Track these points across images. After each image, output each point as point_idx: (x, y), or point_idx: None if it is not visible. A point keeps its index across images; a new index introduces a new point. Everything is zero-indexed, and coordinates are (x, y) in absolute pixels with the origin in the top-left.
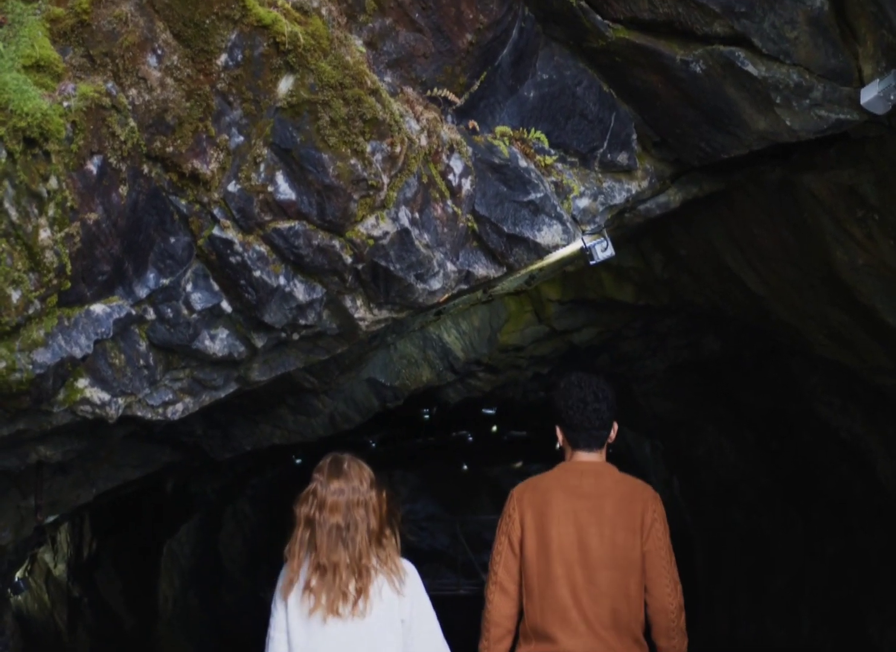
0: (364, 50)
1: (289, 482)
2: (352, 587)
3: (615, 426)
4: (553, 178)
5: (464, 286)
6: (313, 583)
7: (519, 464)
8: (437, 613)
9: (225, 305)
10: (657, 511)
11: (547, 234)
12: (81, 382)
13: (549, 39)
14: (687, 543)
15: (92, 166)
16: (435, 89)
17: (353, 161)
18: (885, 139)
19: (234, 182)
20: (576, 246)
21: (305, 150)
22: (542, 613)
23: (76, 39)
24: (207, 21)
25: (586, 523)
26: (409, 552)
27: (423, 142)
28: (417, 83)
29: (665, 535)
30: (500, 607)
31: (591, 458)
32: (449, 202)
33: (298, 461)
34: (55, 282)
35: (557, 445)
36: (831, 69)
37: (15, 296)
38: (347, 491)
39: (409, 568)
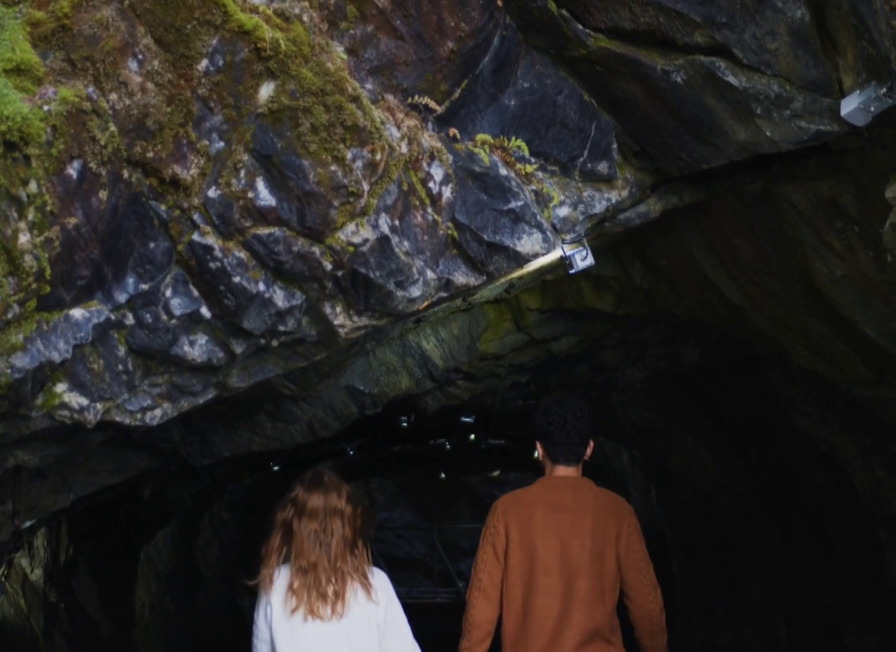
0: (345, 57)
1: (266, 489)
2: (330, 590)
3: (591, 443)
4: (533, 187)
5: (444, 294)
6: (295, 584)
7: (497, 472)
8: (414, 620)
9: (204, 311)
10: (632, 523)
11: (527, 242)
12: (60, 387)
13: (531, 48)
14: (664, 553)
15: (72, 171)
16: (416, 97)
17: (333, 168)
18: (865, 151)
19: (214, 188)
20: (555, 255)
21: (286, 156)
22: (524, 620)
23: (57, 43)
24: (188, 26)
25: (567, 535)
26: (386, 559)
27: (404, 149)
28: (398, 90)
29: (641, 544)
30: (482, 611)
31: (568, 472)
32: (429, 210)
33: (276, 468)
34: (34, 286)
35: (536, 455)
36: (812, 80)
37: None
38: (325, 501)
39: (382, 577)
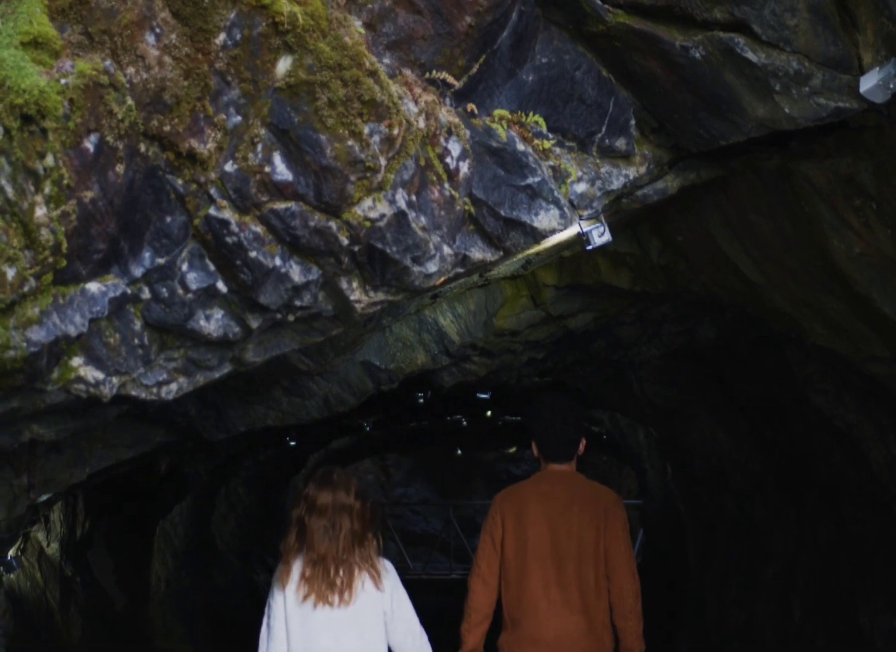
0: (363, 31)
1: (282, 464)
2: (339, 580)
3: (583, 441)
4: (551, 163)
5: (460, 270)
6: (307, 574)
7: (513, 449)
8: (430, 596)
9: (220, 286)
10: (617, 513)
11: (544, 218)
12: (76, 361)
13: (549, 23)
14: (679, 530)
15: (89, 144)
16: (434, 72)
17: (350, 142)
18: (884, 128)
19: (231, 162)
20: (572, 231)
21: (303, 130)
22: (518, 602)
23: (74, 17)
24: (206, 0)
25: (557, 524)
26: (401, 535)
27: (422, 124)
28: (416, 65)
29: (625, 533)
30: (481, 596)
31: (562, 468)
32: (446, 185)
33: (292, 443)
34: (51, 260)
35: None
36: (831, 57)
37: (10, 273)
38: (334, 498)
39: (388, 566)
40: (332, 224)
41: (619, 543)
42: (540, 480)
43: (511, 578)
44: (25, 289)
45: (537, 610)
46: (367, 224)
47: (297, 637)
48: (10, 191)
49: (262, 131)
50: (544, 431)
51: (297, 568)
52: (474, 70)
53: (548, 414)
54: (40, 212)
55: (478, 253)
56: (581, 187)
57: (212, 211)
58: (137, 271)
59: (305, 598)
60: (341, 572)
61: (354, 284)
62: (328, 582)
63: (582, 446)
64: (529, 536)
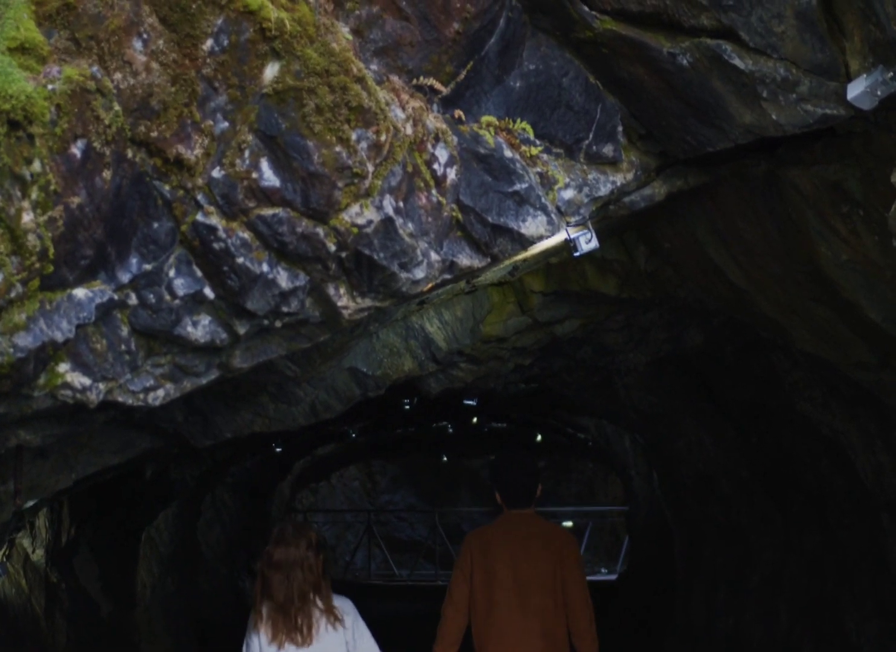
0: (350, 37)
1: (268, 470)
2: (299, 623)
3: (539, 487)
4: (538, 169)
5: (448, 276)
6: (272, 619)
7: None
8: (415, 603)
9: (207, 292)
10: (571, 549)
11: (531, 225)
12: (62, 367)
13: (536, 30)
14: (666, 537)
15: (76, 150)
16: (421, 78)
17: (337, 149)
18: (871, 135)
19: (218, 168)
20: (560, 237)
21: (290, 137)
22: (487, 628)
23: (62, 22)
24: (194, 6)
25: (520, 560)
26: (387, 542)
27: (409, 130)
28: (403, 71)
29: (579, 566)
30: (453, 622)
31: (522, 512)
32: (434, 191)
33: (278, 450)
34: (37, 265)
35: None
36: (818, 64)
37: None
38: (287, 554)
39: (347, 605)
40: (320, 230)
41: (575, 575)
42: (503, 523)
43: (480, 607)
44: (12, 294)
45: (504, 635)
46: (355, 230)
47: None
48: None
49: (250, 137)
50: (506, 482)
51: (265, 614)
52: (462, 76)
53: (509, 468)
54: (27, 217)
55: (465, 259)
56: (568, 194)
57: (199, 217)
58: (124, 277)
59: (272, 640)
60: (300, 617)
61: (342, 291)
62: (290, 626)
63: (538, 492)
64: (496, 571)
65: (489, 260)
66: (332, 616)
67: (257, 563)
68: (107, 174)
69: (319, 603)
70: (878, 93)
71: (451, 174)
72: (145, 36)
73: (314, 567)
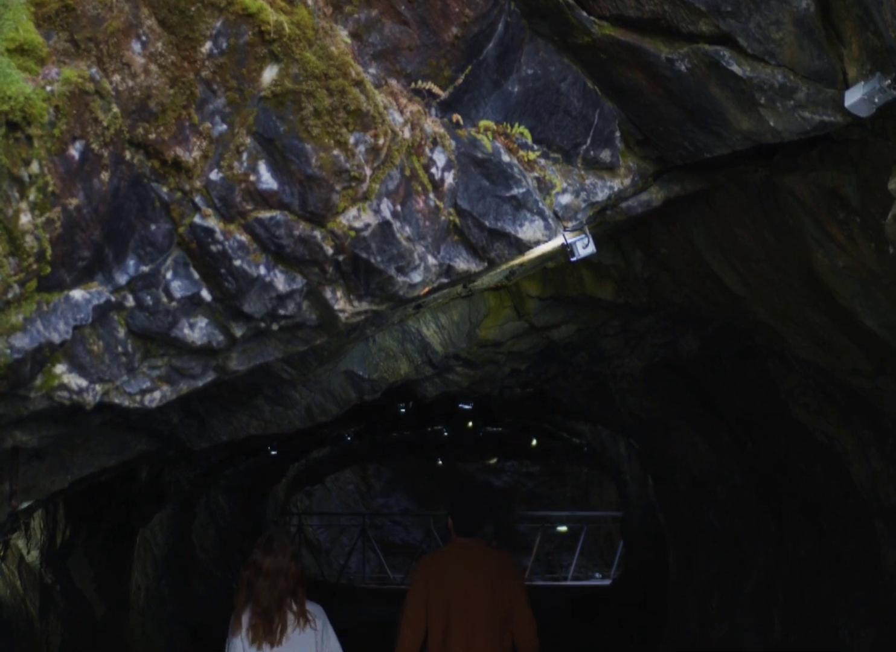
0: (349, 41)
1: (263, 473)
2: (277, 625)
3: (493, 522)
4: (536, 174)
5: (444, 280)
6: (254, 622)
7: (494, 460)
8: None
9: (204, 294)
10: (513, 571)
11: (528, 229)
12: (59, 368)
13: (535, 34)
14: (660, 542)
15: (74, 152)
16: (419, 82)
17: (335, 152)
18: (868, 142)
19: (216, 170)
20: (557, 242)
21: (289, 140)
22: (442, 644)
23: (61, 24)
24: (193, 8)
25: (470, 583)
26: (382, 545)
27: (407, 134)
28: (402, 75)
29: (521, 585)
30: (410, 639)
31: (468, 541)
32: (431, 195)
33: (274, 453)
34: (35, 267)
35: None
36: (816, 71)
37: None
38: (275, 563)
39: (317, 609)
40: (317, 233)
41: (518, 593)
42: (454, 548)
43: (435, 625)
44: (9, 296)
45: (459, 649)
46: (352, 234)
47: None
48: None
49: (248, 140)
50: (458, 513)
51: (245, 618)
52: (460, 81)
53: (462, 500)
54: (25, 219)
55: (462, 263)
56: (566, 199)
57: (196, 219)
58: (122, 279)
59: (254, 641)
60: (277, 619)
61: (339, 294)
62: (268, 628)
63: (490, 526)
64: (448, 592)
65: (486, 264)
66: (304, 619)
67: (243, 571)
68: (105, 176)
69: (294, 607)
70: (876, 100)
71: (449, 178)
72: (144, 38)
73: (294, 574)
